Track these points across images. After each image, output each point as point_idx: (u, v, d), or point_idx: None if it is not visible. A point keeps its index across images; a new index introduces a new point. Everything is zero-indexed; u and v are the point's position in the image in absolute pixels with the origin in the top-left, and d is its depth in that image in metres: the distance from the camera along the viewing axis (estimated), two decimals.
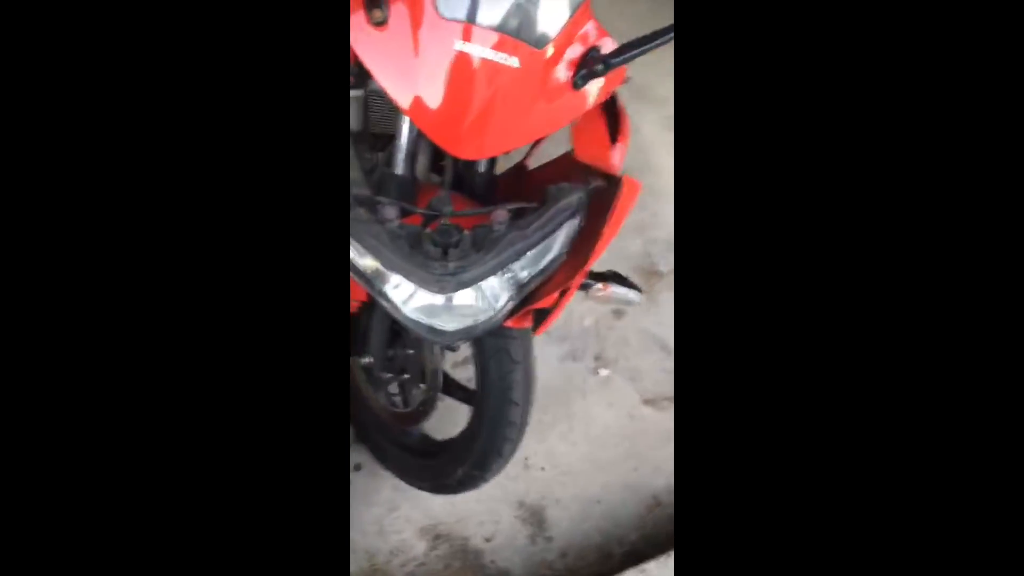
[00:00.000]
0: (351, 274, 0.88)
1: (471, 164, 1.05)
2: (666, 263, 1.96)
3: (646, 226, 2.00)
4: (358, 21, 0.82)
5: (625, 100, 1.02)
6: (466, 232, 0.86)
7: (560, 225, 0.87)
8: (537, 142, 1.16)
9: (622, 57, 0.87)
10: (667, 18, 0.81)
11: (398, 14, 0.82)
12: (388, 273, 0.87)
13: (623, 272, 1.13)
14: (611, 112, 1.00)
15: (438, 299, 0.88)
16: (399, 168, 0.97)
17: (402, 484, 1.39)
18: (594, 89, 0.92)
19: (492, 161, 1.07)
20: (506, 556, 1.38)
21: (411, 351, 1.19)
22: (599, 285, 1.05)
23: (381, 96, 1.08)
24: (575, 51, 0.89)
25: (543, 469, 1.52)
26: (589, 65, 0.88)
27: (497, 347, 1.08)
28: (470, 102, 0.84)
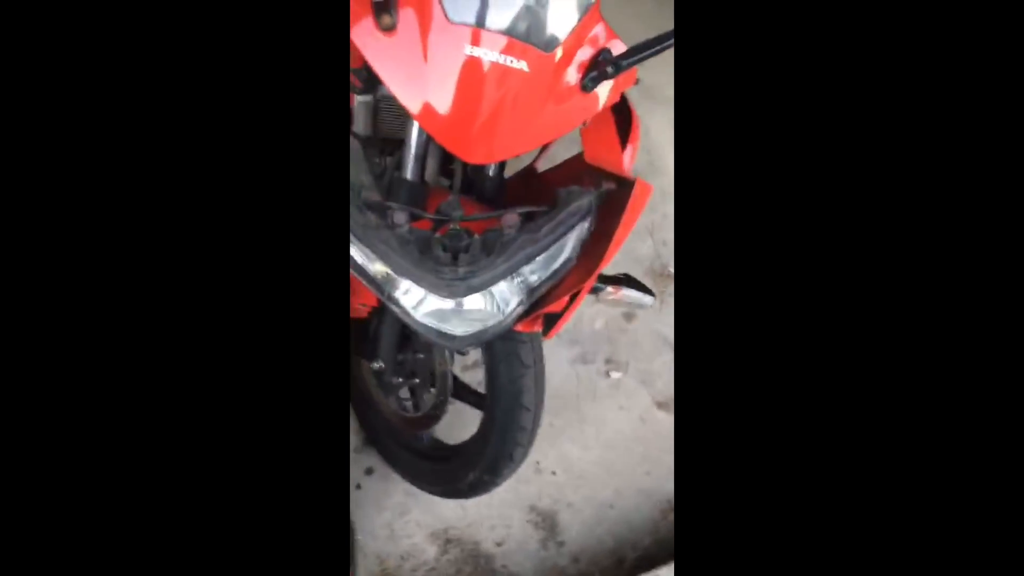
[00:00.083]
0: (362, 279, 0.88)
1: (480, 168, 1.05)
2: None
3: (656, 228, 1.99)
4: (367, 27, 0.82)
5: (635, 101, 1.02)
6: (476, 236, 0.86)
7: (571, 228, 0.86)
8: (547, 145, 1.16)
9: (632, 59, 0.86)
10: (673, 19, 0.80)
11: (407, 19, 0.82)
12: (398, 278, 0.87)
13: (634, 274, 1.12)
14: (621, 114, 0.99)
15: (448, 304, 0.88)
16: (409, 173, 0.96)
17: (413, 488, 1.38)
18: (604, 91, 0.91)
19: (501, 164, 1.06)
20: (517, 561, 1.38)
21: (421, 355, 1.19)
22: (610, 288, 1.04)
23: (391, 101, 1.08)
24: (585, 53, 0.88)
25: (554, 473, 1.51)
26: (599, 67, 0.87)
27: (507, 351, 1.07)
28: (479, 106, 0.84)
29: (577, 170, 1.00)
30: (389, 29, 0.82)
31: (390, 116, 1.12)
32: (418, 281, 0.85)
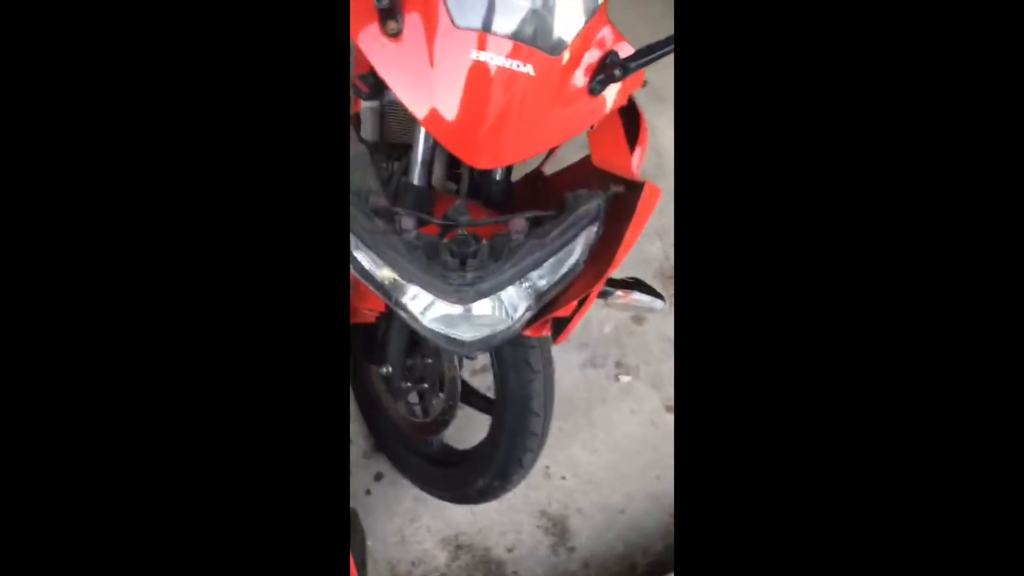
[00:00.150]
0: (369, 285, 0.88)
1: (487, 172, 1.04)
2: None
3: (666, 230, 1.98)
4: (373, 32, 0.82)
5: (642, 103, 1.01)
6: (484, 241, 0.86)
7: (579, 232, 0.86)
8: (554, 148, 1.15)
9: (639, 61, 0.86)
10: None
11: (413, 25, 0.82)
12: (406, 284, 0.87)
13: (642, 277, 1.11)
14: (629, 117, 0.99)
15: (456, 309, 0.88)
16: (416, 178, 0.96)
17: (423, 494, 1.38)
18: (611, 94, 0.91)
19: (509, 169, 1.06)
20: (528, 567, 1.37)
21: (429, 360, 1.19)
22: (619, 293, 1.03)
23: (397, 106, 1.08)
24: (592, 56, 0.88)
25: (564, 478, 1.50)
26: (606, 70, 0.87)
27: (516, 357, 1.07)
28: (486, 111, 0.84)
29: (585, 173, 1.00)
30: (395, 35, 0.82)
31: (397, 121, 1.12)
32: (426, 287, 0.85)
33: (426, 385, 1.23)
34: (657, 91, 2.29)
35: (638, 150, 0.97)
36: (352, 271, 0.87)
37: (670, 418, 1.62)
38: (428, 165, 0.97)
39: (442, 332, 0.90)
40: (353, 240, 0.85)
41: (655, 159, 2.16)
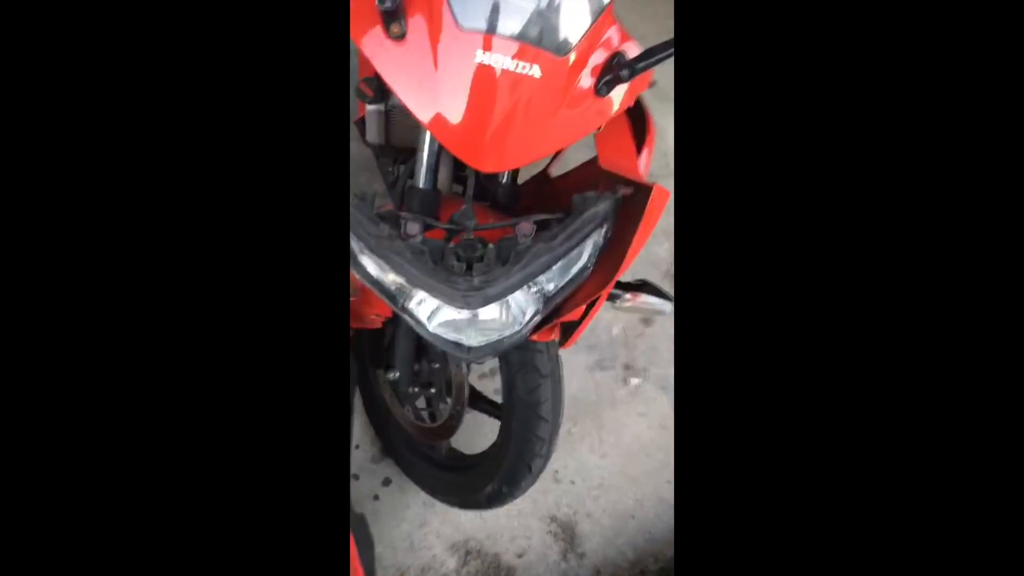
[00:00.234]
0: (375, 290, 0.87)
1: (493, 175, 1.03)
2: None
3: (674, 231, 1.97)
4: (376, 36, 0.81)
5: (650, 104, 1.00)
6: (491, 245, 0.84)
7: (587, 236, 0.84)
8: (560, 150, 1.14)
9: (647, 62, 0.84)
10: None
11: (416, 27, 0.81)
12: (412, 289, 0.86)
13: (651, 278, 1.10)
14: (636, 118, 0.97)
15: (463, 314, 0.86)
16: (421, 182, 0.95)
17: (431, 499, 1.37)
18: (618, 95, 0.89)
19: (515, 171, 1.05)
20: (538, 573, 1.36)
21: (437, 365, 1.18)
22: (628, 295, 1.02)
23: (402, 110, 1.07)
24: (598, 57, 0.86)
25: (573, 482, 1.49)
26: (613, 71, 0.85)
27: (524, 361, 1.06)
28: (491, 114, 0.82)
29: (592, 175, 0.99)
30: (399, 37, 0.81)
31: (402, 125, 1.11)
32: (432, 291, 0.84)
33: (433, 390, 1.22)
34: (664, 92, 2.27)
35: (645, 152, 0.95)
36: (358, 276, 0.87)
37: None
38: (433, 168, 0.96)
39: (449, 337, 0.89)
40: (359, 245, 0.84)
41: (663, 160, 2.15)
